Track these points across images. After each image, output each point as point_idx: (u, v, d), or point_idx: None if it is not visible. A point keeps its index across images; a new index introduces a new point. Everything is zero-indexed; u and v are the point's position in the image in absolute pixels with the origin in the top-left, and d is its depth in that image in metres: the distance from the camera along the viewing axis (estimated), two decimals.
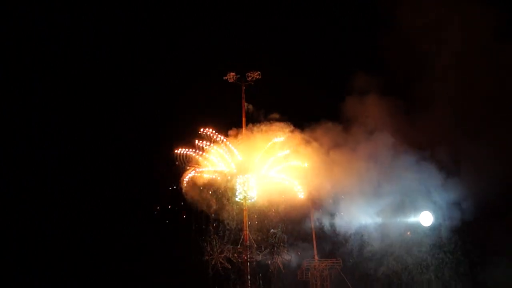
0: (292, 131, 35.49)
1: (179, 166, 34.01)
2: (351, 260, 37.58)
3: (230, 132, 36.15)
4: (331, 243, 38.07)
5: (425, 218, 37.31)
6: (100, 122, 45.74)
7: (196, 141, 34.24)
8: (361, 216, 37.44)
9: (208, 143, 34.54)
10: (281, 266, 33.34)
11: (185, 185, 34.72)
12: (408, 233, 37.91)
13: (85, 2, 48.33)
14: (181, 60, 47.83)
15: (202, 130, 34.67)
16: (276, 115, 35.86)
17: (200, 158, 34.54)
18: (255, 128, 35.45)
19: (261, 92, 37.52)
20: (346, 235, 37.67)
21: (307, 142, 35.95)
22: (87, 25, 47.70)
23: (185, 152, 34.11)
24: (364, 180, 36.36)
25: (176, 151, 34.01)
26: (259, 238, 34.00)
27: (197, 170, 34.46)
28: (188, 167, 34.23)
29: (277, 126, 35.15)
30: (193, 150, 34.38)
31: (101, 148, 44.23)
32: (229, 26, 48.51)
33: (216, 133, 34.80)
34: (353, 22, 48.44)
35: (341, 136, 37.63)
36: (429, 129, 37.94)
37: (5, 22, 44.44)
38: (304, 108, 41.72)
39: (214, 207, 34.75)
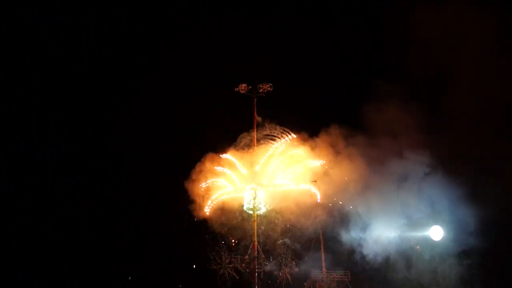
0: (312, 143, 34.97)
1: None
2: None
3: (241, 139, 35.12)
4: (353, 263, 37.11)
5: (435, 233, 36.72)
6: (100, 122, 45.86)
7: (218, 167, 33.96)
8: (386, 232, 36.69)
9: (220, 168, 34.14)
10: (289, 277, 32.15)
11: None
12: (418, 247, 37.29)
13: (85, 2, 48.46)
14: (186, 61, 47.92)
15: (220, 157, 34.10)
16: (296, 134, 34.70)
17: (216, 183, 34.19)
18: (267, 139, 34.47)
19: (277, 103, 37.07)
20: (373, 257, 36.63)
21: (337, 153, 35.36)
22: (87, 25, 47.84)
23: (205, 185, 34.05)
24: (389, 195, 35.82)
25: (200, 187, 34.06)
26: (267, 247, 33.35)
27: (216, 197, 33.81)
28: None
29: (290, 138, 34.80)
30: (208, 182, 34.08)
31: (101, 148, 44.35)
32: (242, 33, 48.50)
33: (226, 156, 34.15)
34: (371, 32, 48.05)
35: (365, 148, 36.67)
36: (454, 142, 36.61)
37: (5, 22, 44.54)
38: (317, 118, 40.78)
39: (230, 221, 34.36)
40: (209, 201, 33.89)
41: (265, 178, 33.38)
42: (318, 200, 33.93)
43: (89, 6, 47.80)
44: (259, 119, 35.02)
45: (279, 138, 33.93)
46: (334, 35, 48.41)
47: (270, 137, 34.19)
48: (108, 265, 39.65)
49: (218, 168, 34.12)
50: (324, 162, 34.07)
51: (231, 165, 34.02)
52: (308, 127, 35.74)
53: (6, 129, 42.92)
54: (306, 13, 50.08)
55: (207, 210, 33.89)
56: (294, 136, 33.80)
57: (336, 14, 49.76)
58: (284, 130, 34.11)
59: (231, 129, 36.61)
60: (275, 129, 34.21)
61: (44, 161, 43.53)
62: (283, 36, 48.88)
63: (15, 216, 41.02)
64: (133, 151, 43.50)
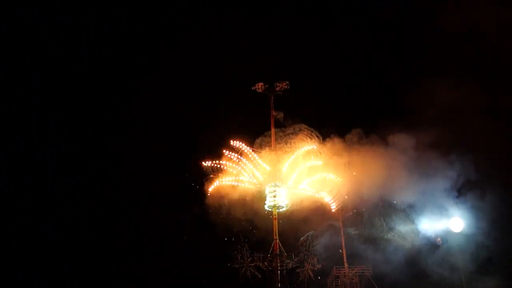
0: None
1: (205, 175, 32.79)
2: None
3: (256, 140, 34.58)
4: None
5: (456, 224, 36.68)
6: (100, 122, 45.83)
7: (226, 152, 32.70)
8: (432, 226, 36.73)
9: (236, 155, 32.85)
10: (311, 274, 31.47)
11: (209, 194, 33.21)
12: (439, 239, 37.14)
13: (85, 2, 48.48)
14: (187, 61, 47.91)
15: (232, 142, 32.91)
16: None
17: (228, 168, 32.99)
18: (285, 138, 34.22)
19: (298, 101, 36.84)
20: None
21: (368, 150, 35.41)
22: (87, 25, 47.86)
23: (212, 164, 32.48)
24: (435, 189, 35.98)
25: (204, 162, 32.45)
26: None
27: (224, 180, 32.59)
28: (214, 175, 32.64)
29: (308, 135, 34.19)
30: (220, 162, 32.82)
31: (101, 148, 44.32)
32: (259, 33, 48.41)
33: (243, 145, 33.09)
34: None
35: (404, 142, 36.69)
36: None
37: (5, 22, 44.54)
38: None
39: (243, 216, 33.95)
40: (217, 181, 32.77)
41: (289, 180, 33.08)
42: (333, 210, 33.90)
43: (89, 6, 47.93)
44: (279, 115, 34.53)
45: (308, 138, 33.68)
46: (357, 31, 48.43)
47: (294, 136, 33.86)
48: (108, 265, 39.69)
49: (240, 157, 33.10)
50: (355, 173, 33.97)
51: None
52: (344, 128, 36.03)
53: (6, 129, 43.01)
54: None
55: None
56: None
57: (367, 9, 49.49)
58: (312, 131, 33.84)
59: (237, 128, 36.30)
60: (301, 129, 33.98)
61: (44, 161, 43.55)
62: (292, 35, 48.86)
63: (15, 216, 41.01)
64: (133, 151, 43.52)
